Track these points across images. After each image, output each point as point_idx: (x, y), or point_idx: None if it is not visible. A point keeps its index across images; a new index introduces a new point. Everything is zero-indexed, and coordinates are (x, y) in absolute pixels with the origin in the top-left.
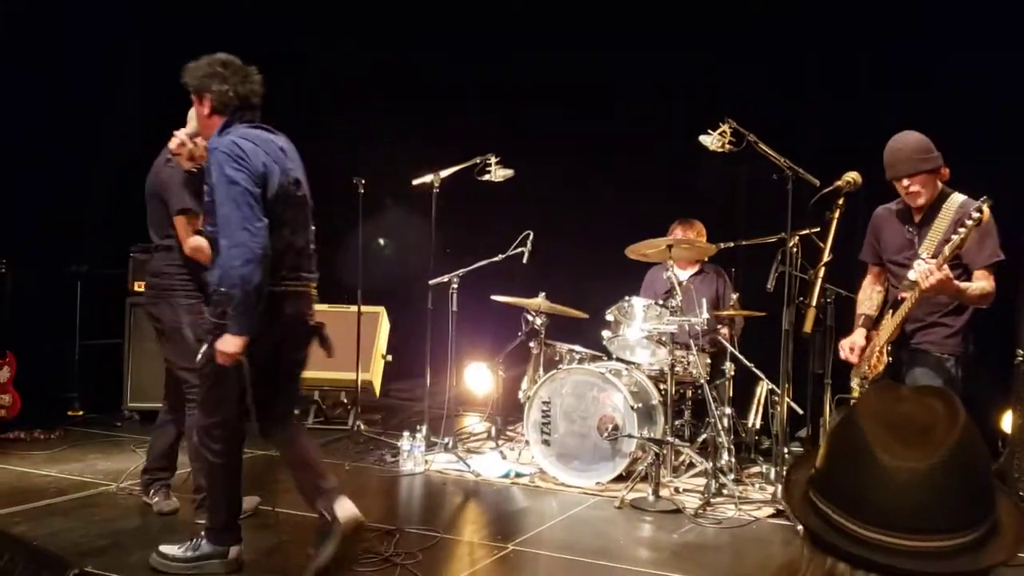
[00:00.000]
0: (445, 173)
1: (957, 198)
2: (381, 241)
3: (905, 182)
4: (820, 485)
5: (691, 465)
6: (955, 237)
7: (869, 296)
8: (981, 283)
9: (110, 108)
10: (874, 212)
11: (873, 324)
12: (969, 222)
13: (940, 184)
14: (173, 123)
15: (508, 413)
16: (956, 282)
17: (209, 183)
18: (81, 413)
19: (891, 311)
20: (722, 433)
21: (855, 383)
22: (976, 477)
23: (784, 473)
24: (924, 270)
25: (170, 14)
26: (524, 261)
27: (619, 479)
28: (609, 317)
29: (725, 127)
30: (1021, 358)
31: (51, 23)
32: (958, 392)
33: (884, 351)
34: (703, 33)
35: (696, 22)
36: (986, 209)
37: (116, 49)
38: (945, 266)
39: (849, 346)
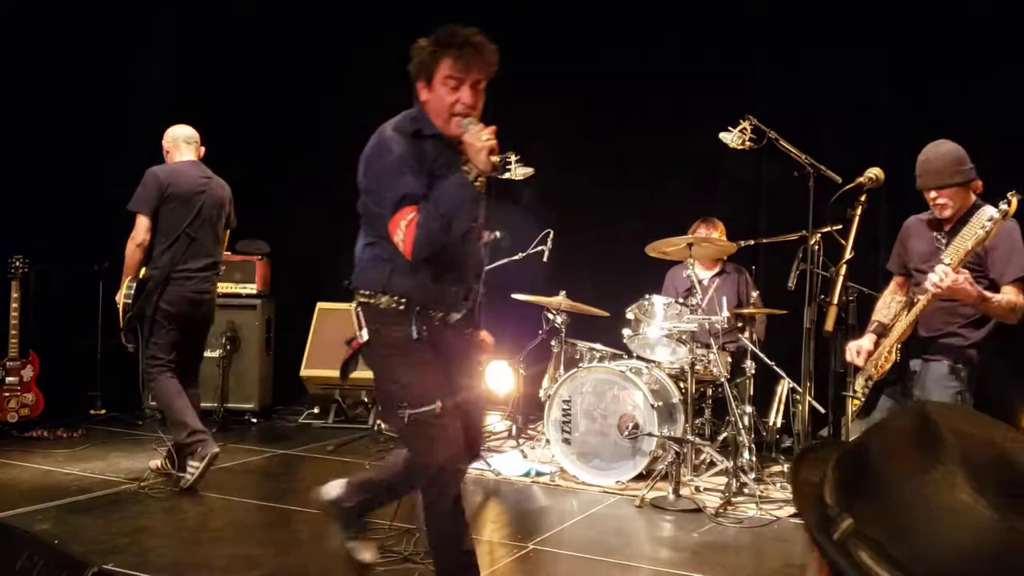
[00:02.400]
0: None
1: (988, 210)
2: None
3: (932, 194)
4: (873, 541)
5: (711, 464)
6: (980, 231)
7: (887, 304)
8: (1010, 297)
9: (135, 101)
10: (905, 222)
11: (886, 331)
12: (996, 214)
13: (973, 196)
14: (200, 121)
15: (528, 411)
16: (977, 288)
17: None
18: (103, 412)
19: (906, 311)
20: (743, 432)
21: (859, 383)
22: None
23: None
24: (940, 270)
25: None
26: (544, 259)
27: (639, 478)
28: (629, 315)
29: (746, 124)
30: None
31: (72, 23)
32: (970, 403)
33: (893, 350)
34: (726, 31)
35: (719, 21)
36: (1014, 201)
37: (143, 39)
38: (964, 270)
39: (856, 349)
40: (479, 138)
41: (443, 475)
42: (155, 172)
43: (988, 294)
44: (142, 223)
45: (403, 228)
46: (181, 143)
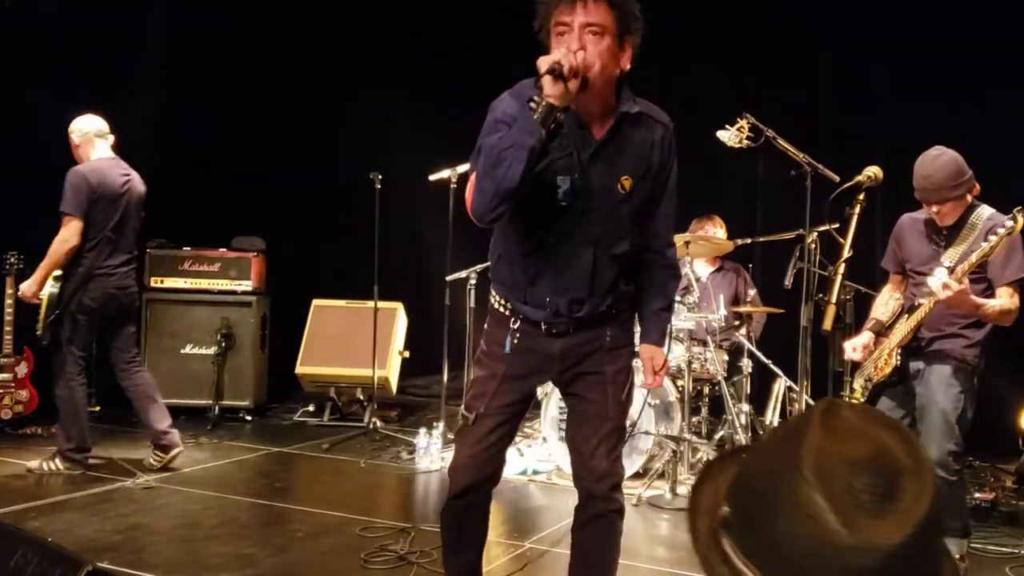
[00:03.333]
0: (463, 168)
1: (985, 211)
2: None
3: (934, 207)
4: (741, 535)
5: None
6: (984, 245)
7: (886, 302)
8: (1003, 300)
9: (135, 97)
10: (899, 220)
11: (884, 329)
12: (1001, 230)
13: (970, 197)
14: (197, 118)
15: None
16: (974, 297)
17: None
18: (98, 408)
19: (907, 315)
20: (740, 431)
21: (858, 384)
22: (938, 544)
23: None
24: (942, 282)
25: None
26: None
27: (636, 476)
28: None
29: (743, 123)
30: None
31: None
32: (973, 403)
33: (894, 354)
34: (723, 31)
35: (715, 22)
36: (1020, 219)
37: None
38: (965, 279)
39: (853, 346)
40: (547, 57)
41: (450, 479)
42: (83, 173)
43: (983, 302)
44: (75, 226)
45: (468, 189)
46: (95, 138)
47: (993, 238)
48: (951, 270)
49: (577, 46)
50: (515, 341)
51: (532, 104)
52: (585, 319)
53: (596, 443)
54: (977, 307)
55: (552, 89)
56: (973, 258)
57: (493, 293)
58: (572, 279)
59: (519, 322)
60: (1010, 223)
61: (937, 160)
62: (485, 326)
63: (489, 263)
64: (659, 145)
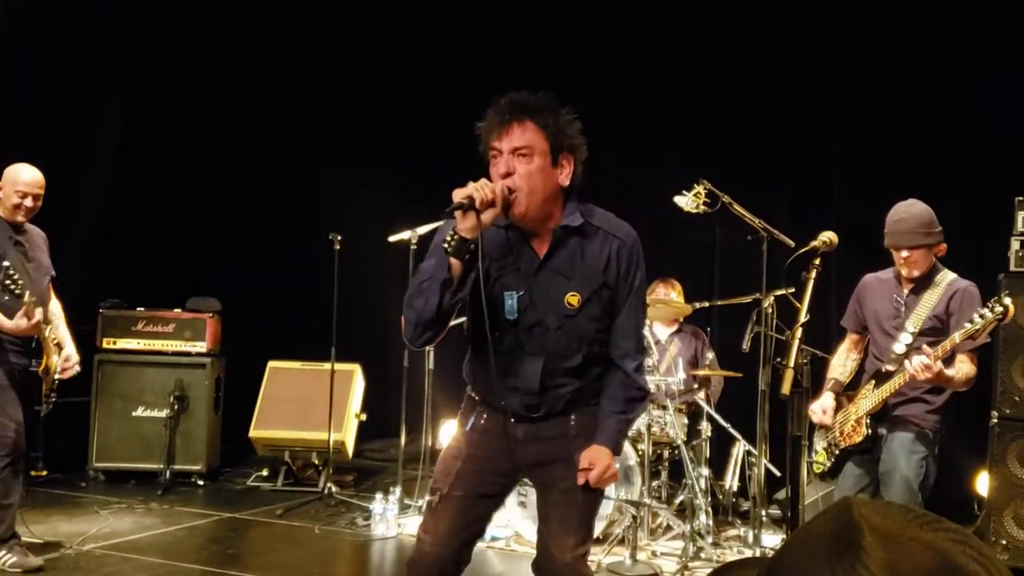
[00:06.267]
0: (423, 230)
1: (949, 275)
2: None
3: (904, 253)
4: None
5: (668, 528)
6: (969, 326)
7: (843, 363)
8: (965, 368)
9: (85, 166)
10: (862, 279)
11: (843, 390)
12: (989, 315)
13: (934, 258)
14: (151, 178)
15: None
16: (944, 374)
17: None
18: (45, 473)
19: (874, 382)
20: (699, 495)
21: (820, 446)
22: None
23: None
24: (920, 364)
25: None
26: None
27: (596, 542)
28: None
29: (700, 188)
30: (995, 420)
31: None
32: (935, 469)
33: (863, 422)
34: (681, 96)
35: (674, 85)
36: (1011, 306)
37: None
38: (939, 362)
39: (821, 408)
40: (461, 189)
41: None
42: None
43: (951, 375)
44: None
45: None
46: None
47: (980, 320)
48: (913, 343)
49: (504, 169)
50: (481, 421)
51: (447, 239)
52: (544, 416)
53: (562, 535)
54: (948, 380)
55: (463, 223)
56: (956, 338)
57: (469, 386)
58: (524, 384)
59: (484, 407)
60: (999, 308)
61: (912, 207)
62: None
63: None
64: (615, 259)
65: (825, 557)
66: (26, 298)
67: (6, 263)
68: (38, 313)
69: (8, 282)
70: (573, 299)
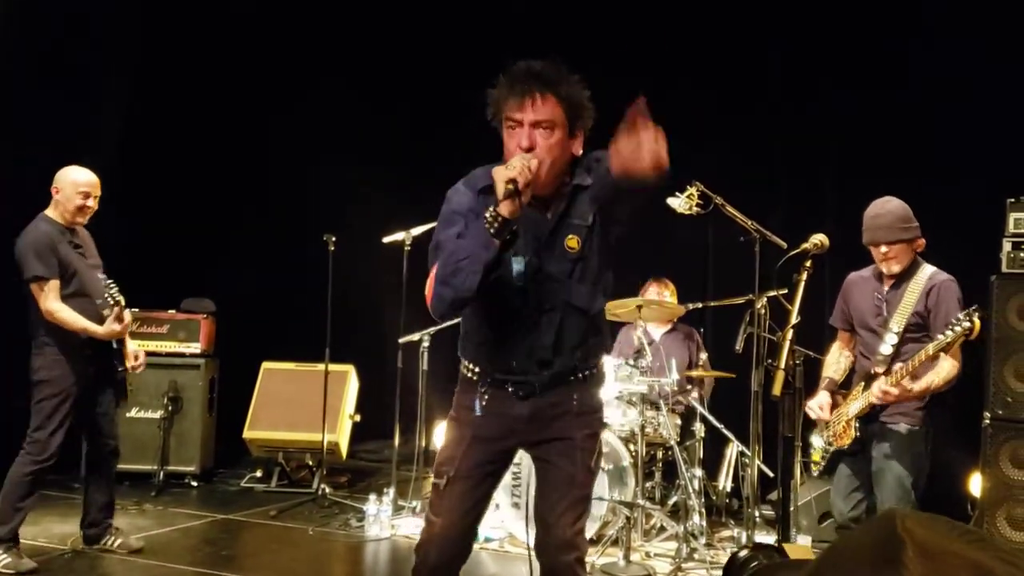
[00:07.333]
0: (417, 231)
1: (928, 269)
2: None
3: (883, 248)
4: None
5: (662, 529)
6: (941, 338)
7: (836, 360)
8: (945, 368)
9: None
10: (846, 278)
11: (838, 387)
12: (958, 328)
13: (914, 253)
14: (147, 177)
15: None
16: (916, 386)
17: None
18: None
19: (862, 384)
20: (693, 496)
21: (818, 443)
22: None
23: None
24: (880, 392)
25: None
26: None
27: (589, 543)
28: None
29: (693, 190)
30: (988, 421)
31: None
32: (927, 467)
33: (852, 425)
34: (680, 96)
35: (669, 86)
36: (977, 323)
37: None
38: (903, 381)
39: (818, 405)
40: (503, 170)
41: (420, 557)
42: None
43: (926, 385)
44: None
45: (428, 284)
46: None
47: (950, 334)
48: (899, 343)
49: (527, 143)
50: (483, 403)
51: (488, 217)
52: (555, 378)
53: (562, 511)
54: (926, 391)
55: (508, 207)
56: (931, 349)
57: (461, 359)
58: (537, 342)
59: (486, 386)
60: (967, 324)
61: (888, 203)
62: (455, 394)
63: (443, 326)
64: (598, 183)
65: (867, 570)
66: (122, 303)
67: (109, 281)
68: (127, 315)
69: (107, 296)
70: (572, 242)
